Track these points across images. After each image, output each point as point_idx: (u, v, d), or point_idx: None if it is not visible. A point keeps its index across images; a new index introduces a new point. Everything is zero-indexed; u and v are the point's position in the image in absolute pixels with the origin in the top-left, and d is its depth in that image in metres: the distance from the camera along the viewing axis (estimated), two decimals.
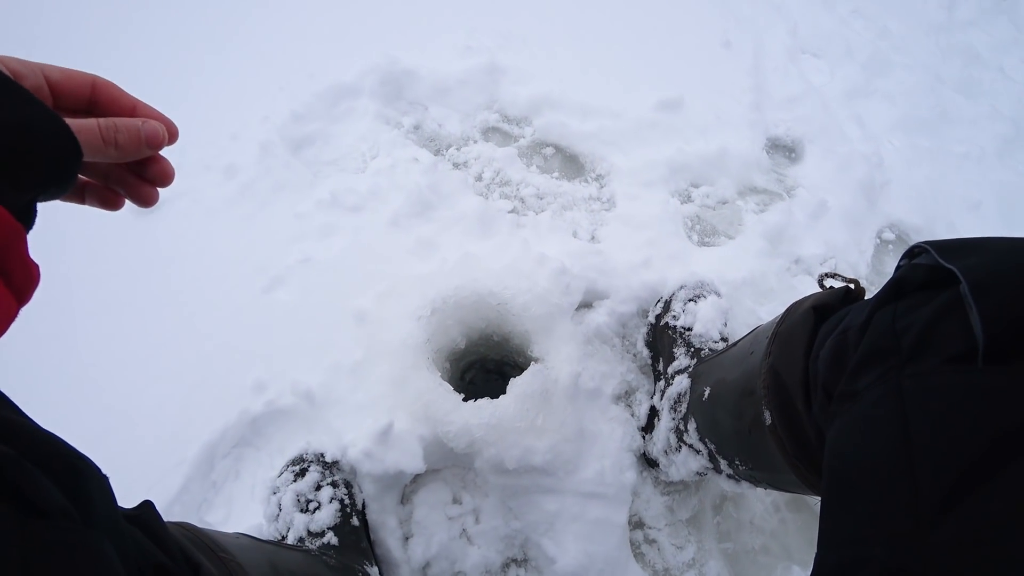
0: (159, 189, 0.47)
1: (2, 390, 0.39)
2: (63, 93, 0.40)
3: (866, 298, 0.66)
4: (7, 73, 0.35)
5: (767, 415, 0.66)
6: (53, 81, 0.40)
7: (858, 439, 0.46)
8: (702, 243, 1.38)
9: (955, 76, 1.88)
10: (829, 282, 0.74)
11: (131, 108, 0.43)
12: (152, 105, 0.47)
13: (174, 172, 0.46)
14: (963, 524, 0.36)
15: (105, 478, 0.38)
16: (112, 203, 0.46)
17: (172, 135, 0.44)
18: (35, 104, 0.34)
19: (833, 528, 0.46)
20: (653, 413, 1.08)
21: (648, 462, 1.09)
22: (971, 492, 0.36)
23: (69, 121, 0.37)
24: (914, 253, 0.50)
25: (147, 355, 1.14)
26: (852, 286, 0.68)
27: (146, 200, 0.46)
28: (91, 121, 0.39)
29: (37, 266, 0.36)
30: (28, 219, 0.36)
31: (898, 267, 0.52)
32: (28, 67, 0.38)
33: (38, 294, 0.38)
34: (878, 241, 1.50)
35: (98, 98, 0.42)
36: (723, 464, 0.83)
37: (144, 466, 1.01)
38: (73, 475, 0.35)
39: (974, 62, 1.95)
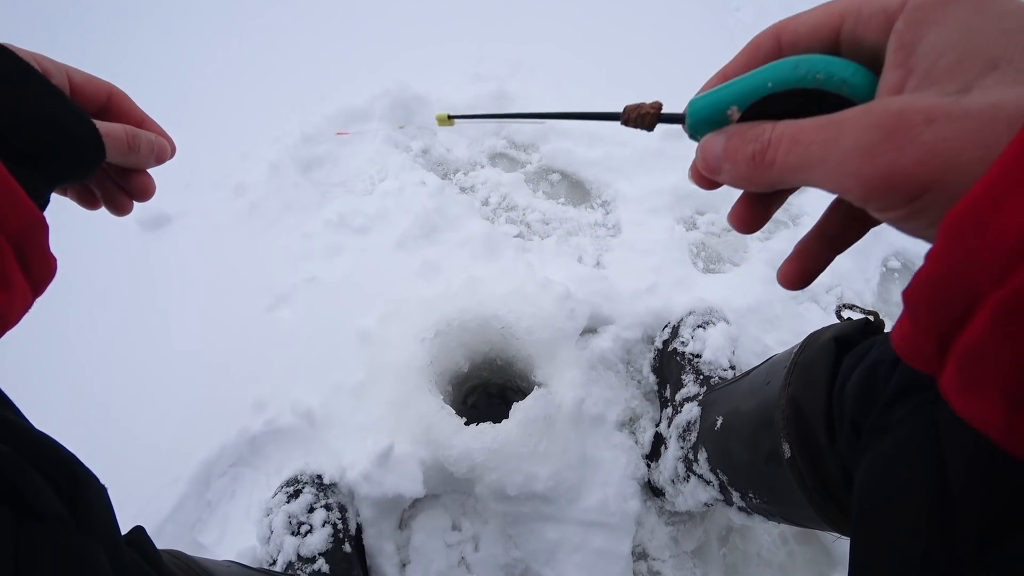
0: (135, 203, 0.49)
1: (3, 391, 0.39)
2: (82, 96, 0.42)
3: (886, 331, 0.65)
4: (40, 70, 0.36)
5: (786, 448, 0.64)
6: (75, 83, 0.41)
7: (890, 474, 0.44)
8: (707, 270, 1.38)
9: None
10: (847, 313, 0.73)
11: (140, 121, 0.45)
12: (160, 121, 0.49)
13: (155, 189, 0.48)
14: (1003, 565, 0.32)
15: (104, 489, 0.38)
16: (90, 202, 0.47)
17: (172, 152, 0.47)
18: (69, 104, 0.37)
19: (864, 568, 0.44)
20: (658, 440, 1.06)
21: (653, 491, 1.07)
22: (1011, 530, 0.33)
23: (98, 123, 0.39)
24: None
25: (147, 369, 1.13)
26: (872, 318, 0.67)
27: (120, 208, 0.47)
28: (117, 126, 0.42)
29: (55, 259, 0.37)
30: (43, 208, 0.37)
31: None
32: (56, 66, 0.40)
33: (39, 303, 0.38)
34: (884, 269, 1.50)
35: (111, 106, 0.44)
36: (735, 496, 0.81)
37: (138, 482, 0.99)
38: (72, 481, 0.35)
39: None
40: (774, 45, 0.28)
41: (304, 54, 1.71)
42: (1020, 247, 0.18)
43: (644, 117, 0.34)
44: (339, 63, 1.68)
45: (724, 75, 0.31)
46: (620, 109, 0.37)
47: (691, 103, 0.30)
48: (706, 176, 0.31)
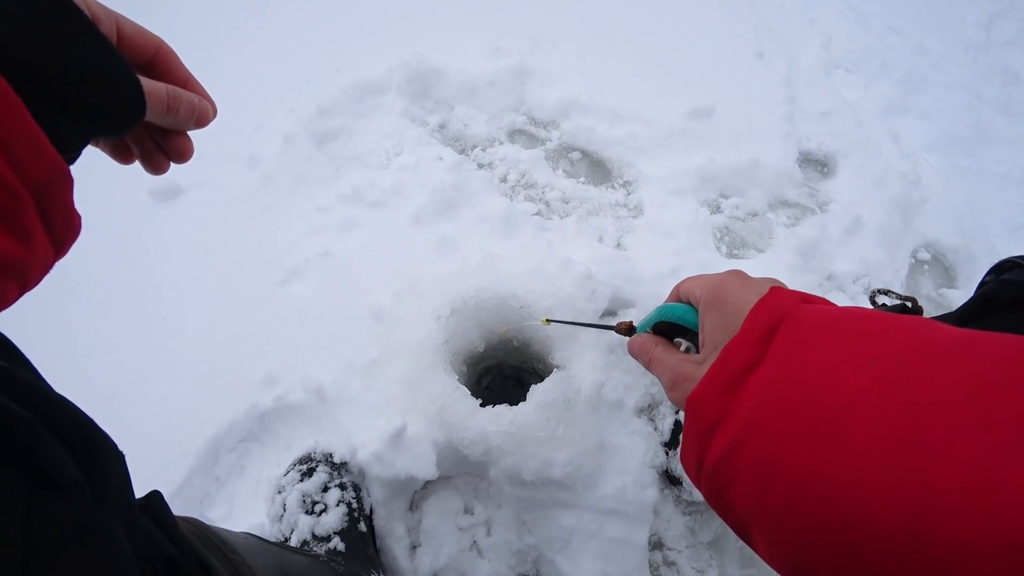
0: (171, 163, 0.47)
1: (22, 351, 0.37)
2: (129, 47, 0.40)
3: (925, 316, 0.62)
4: (88, 16, 0.34)
5: None
6: (124, 34, 0.39)
7: None
8: (731, 255, 1.34)
9: (995, 96, 1.83)
10: (882, 299, 0.70)
11: (185, 81, 0.43)
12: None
13: (193, 151, 0.46)
14: None
15: (121, 456, 0.37)
16: (124, 157, 0.45)
17: (213, 116, 0.45)
18: (115, 54, 0.35)
19: None
20: (678, 428, 1.03)
21: (670, 480, 1.04)
22: None
23: (141, 80, 0.37)
24: (1003, 268, 0.46)
25: (157, 342, 1.11)
26: (909, 304, 0.64)
27: (157, 167, 0.45)
28: (160, 85, 0.40)
29: (79, 216, 0.35)
30: (72, 161, 0.36)
31: (983, 282, 0.48)
32: (106, 13, 0.38)
33: (50, 273, 0.35)
34: (913, 260, 1.45)
35: (158, 62, 0.42)
36: None
37: (147, 456, 0.98)
38: (89, 448, 0.34)
39: (1014, 82, 1.90)
40: (676, 293, 0.51)
41: (319, 25, 1.67)
42: (711, 427, 0.35)
43: (621, 328, 0.60)
44: (355, 34, 1.64)
45: (666, 299, 0.53)
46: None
47: (640, 324, 0.55)
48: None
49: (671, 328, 0.51)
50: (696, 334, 0.47)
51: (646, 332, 0.53)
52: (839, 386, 0.30)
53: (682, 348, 0.50)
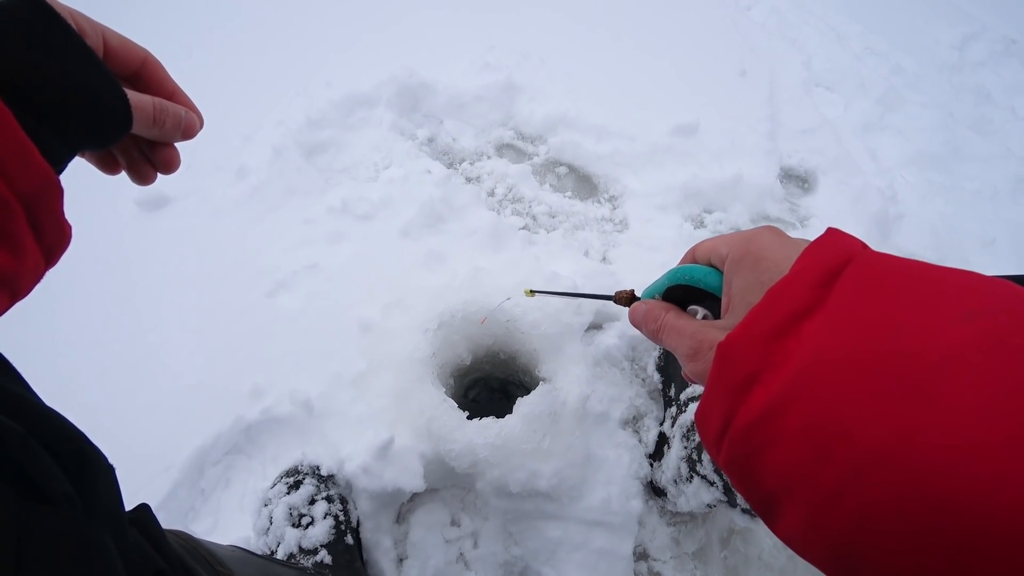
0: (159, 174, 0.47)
1: (11, 363, 0.37)
2: (115, 60, 0.40)
3: None
4: (75, 28, 0.35)
5: None
6: (110, 46, 0.40)
7: None
8: None
9: (967, 115, 1.89)
10: None
11: (171, 93, 0.44)
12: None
13: (180, 162, 0.46)
14: None
15: (111, 469, 0.38)
16: (111, 168, 0.45)
17: (200, 127, 0.45)
18: (101, 68, 0.35)
19: None
20: (662, 440, 1.04)
21: (655, 491, 1.05)
22: None
23: (127, 92, 0.37)
24: None
25: (143, 354, 1.11)
26: None
27: (144, 178, 0.45)
28: (146, 97, 0.40)
29: (70, 226, 0.36)
30: (60, 172, 0.36)
31: None
32: (92, 26, 0.38)
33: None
34: None
35: (144, 74, 0.42)
36: (740, 498, 0.80)
37: (131, 469, 0.97)
38: (80, 461, 0.34)
39: (985, 102, 1.96)
40: (691, 255, 0.44)
41: (310, 38, 1.68)
42: (748, 380, 0.30)
43: (622, 297, 0.52)
44: (346, 48, 1.65)
45: (680, 263, 0.46)
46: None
47: (644, 292, 0.48)
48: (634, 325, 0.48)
49: (685, 296, 0.43)
50: (717, 300, 0.40)
51: (653, 299, 0.45)
52: (933, 338, 0.25)
53: (699, 316, 0.42)
